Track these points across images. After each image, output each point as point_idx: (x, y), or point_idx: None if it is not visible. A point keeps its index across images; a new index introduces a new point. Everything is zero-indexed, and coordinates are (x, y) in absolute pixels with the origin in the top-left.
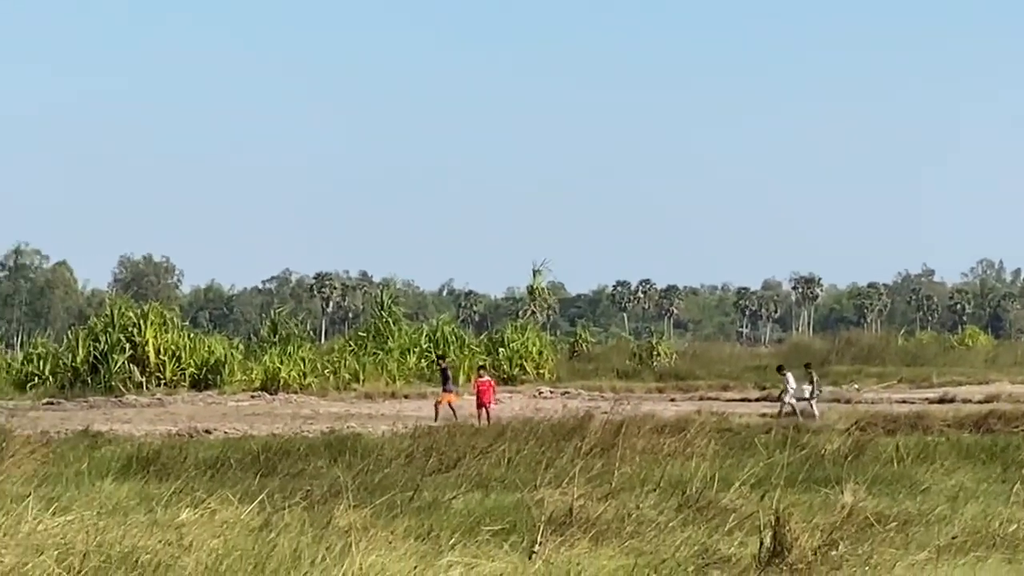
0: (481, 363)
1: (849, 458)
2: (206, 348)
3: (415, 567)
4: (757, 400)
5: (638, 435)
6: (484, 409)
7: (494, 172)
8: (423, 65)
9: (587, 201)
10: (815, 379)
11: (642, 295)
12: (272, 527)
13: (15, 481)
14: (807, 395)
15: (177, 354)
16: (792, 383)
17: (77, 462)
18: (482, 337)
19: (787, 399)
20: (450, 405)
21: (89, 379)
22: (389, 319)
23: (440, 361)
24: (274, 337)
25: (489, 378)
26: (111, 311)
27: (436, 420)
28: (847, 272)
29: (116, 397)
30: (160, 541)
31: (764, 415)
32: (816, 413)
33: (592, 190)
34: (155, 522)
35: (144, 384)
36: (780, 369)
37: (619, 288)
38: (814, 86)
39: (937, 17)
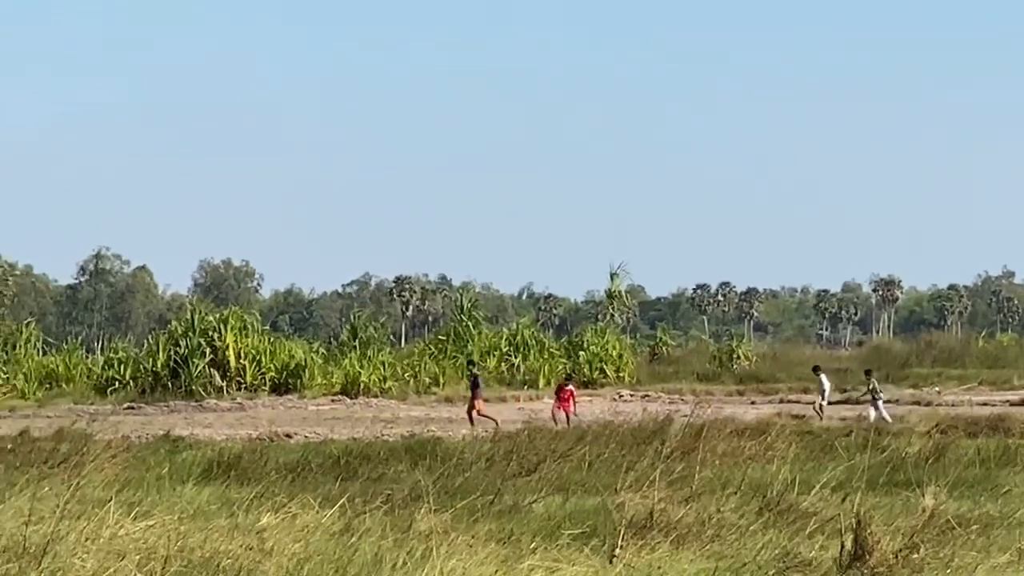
0: (568, 372)
1: (930, 461)
2: (286, 352)
3: (496, 571)
4: (837, 403)
5: (718, 438)
6: (565, 413)
7: (573, 175)
8: (498, 65)
9: (666, 204)
10: (875, 385)
11: (722, 298)
12: (353, 531)
13: (96, 486)
14: (876, 400)
15: (257, 358)
16: (826, 384)
17: (158, 467)
18: (562, 340)
19: (821, 401)
20: (473, 413)
21: (170, 383)
22: (469, 323)
23: (470, 367)
24: (354, 341)
25: (572, 387)
26: (191, 315)
27: (498, 425)
28: (927, 274)
29: (196, 401)
30: (241, 546)
31: (844, 418)
32: (885, 416)
33: (671, 192)
34: (236, 526)
35: (224, 388)
36: (816, 370)
37: (699, 291)
38: (894, 86)
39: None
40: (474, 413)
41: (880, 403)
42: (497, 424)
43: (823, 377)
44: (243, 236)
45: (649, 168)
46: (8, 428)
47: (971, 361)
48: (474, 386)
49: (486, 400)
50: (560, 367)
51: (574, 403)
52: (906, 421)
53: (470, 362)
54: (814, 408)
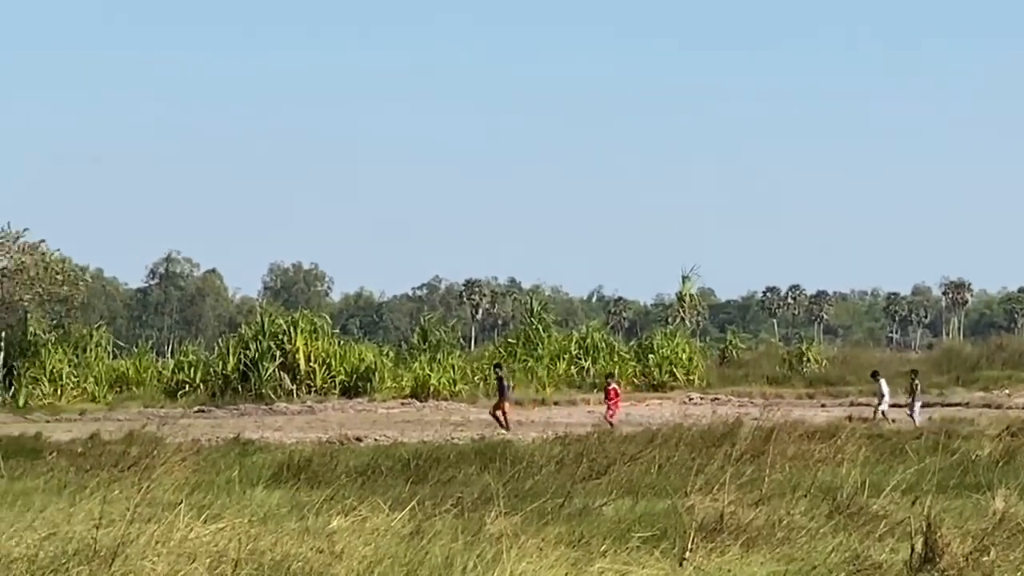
0: (609, 371)
1: (1000, 463)
2: (356, 355)
3: (566, 574)
4: (906, 405)
5: (788, 441)
6: (611, 414)
7: (642, 177)
8: (567, 69)
9: (736, 207)
10: (917, 387)
11: (792, 301)
12: (423, 534)
13: (167, 488)
14: (915, 401)
15: (327, 362)
16: (886, 389)
17: (228, 470)
18: (631, 344)
19: (882, 406)
20: (504, 415)
21: (240, 387)
22: (539, 326)
23: (497, 370)
24: (424, 344)
25: (615, 385)
26: (261, 319)
27: (508, 430)
28: (998, 277)
29: (266, 405)
30: (312, 548)
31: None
32: (916, 421)
33: (741, 195)
34: (306, 529)
35: (294, 392)
36: (875, 375)
37: (769, 294)
38: (964, 86)
39: None
40: (499, 413)
41: (917, 404)
42: (507, 429)
43: (882, 382)
44: (313, 239)
45: (719, 171)
46: (79, 431)
47: None
48: (501, 390)
49: (510, 403)
50: (630, 370)
51: (617, 398)
52: (976, 424)
53: (496, 365)
54: (875, 414)
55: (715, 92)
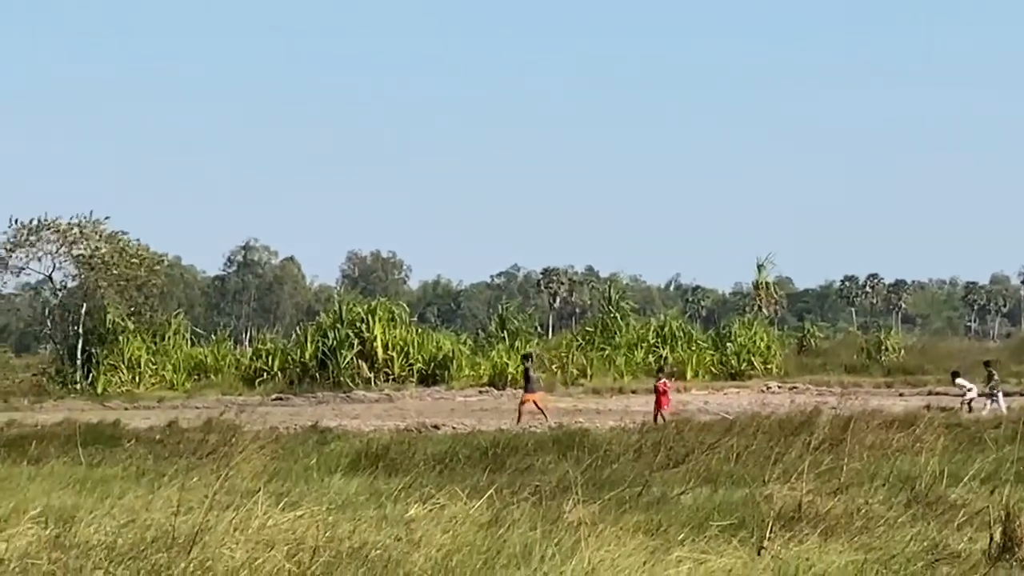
0: (660, 364)
1: None
2: (434, 343)
3: (644, 562)
4: (984, 395)
5: (866, 430)
6: (659, 412)
7: (721, 166)
8: (640, 60)
9: (814, 195)
10: (995, 378)
11: (870, 290)
12: (501, 522)
13: (245, 476)
14: (995, 392)
15: (405, 350)
16: (970, 383)
17: (306, 457)
18: (709, 332)
19: (967, 398)
20: (536, 404)
21: (317, 375)
22: (616, 314)
23: (524, 360)
24: (502, 332)
25: (664, 379)
26: (339, 307)
27: (518, 422)
28: None
29: (344, 392)
30: (390, 536)
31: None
32: (972, 409)
33: (819, 184)
34: (384, 517)
35: (372, 380)
36: (955, 375)
37: (847, 283)
38: None
39: None
40: (526, 404)
41: (999, 394)
42: (546, 418)
43: (963, 381)
44: (391, 227)
45: (796, 159)
46: (157, 419)
47: None
48: (527, 379)
49: (537, 393)
50: (708, 358)
51: (667, 398)
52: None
53: (525, 356)
54: (967, 406)
55: (787, 78)
